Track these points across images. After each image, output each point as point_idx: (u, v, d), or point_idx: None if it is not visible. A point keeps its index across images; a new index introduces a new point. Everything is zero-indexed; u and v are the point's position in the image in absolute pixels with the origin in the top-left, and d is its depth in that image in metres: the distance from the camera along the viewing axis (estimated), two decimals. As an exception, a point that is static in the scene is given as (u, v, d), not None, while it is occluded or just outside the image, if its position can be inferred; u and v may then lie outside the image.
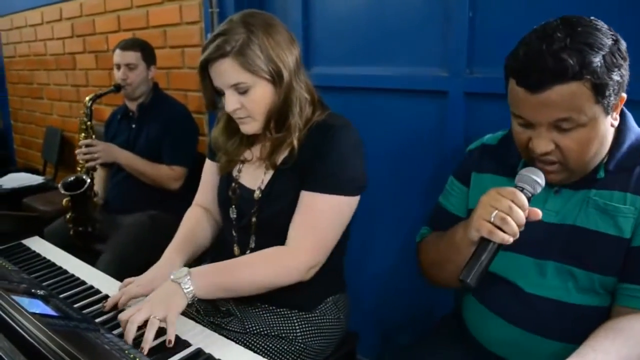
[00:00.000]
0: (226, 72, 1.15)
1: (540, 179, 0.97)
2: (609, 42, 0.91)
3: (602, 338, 0.91)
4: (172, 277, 1.10)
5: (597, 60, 0.89)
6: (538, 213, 0.94)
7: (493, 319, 1.12)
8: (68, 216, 2.23)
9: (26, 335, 0.75)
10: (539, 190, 0.97)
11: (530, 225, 1.03)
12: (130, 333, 0.97)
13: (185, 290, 1.07)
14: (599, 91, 0.90)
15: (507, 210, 0.92)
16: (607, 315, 1.00)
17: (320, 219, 1.19)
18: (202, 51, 1.18)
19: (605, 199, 1.00)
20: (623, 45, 0.93)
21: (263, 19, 1.18)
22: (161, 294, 1.07)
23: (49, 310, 0.98)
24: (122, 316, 1.02)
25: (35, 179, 3.77)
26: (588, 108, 0.91)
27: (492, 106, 1.62)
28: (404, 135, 1.88)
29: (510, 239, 0.91)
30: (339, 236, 1.24)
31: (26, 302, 0.94)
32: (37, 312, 0.92)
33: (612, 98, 0.92)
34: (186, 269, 1.11)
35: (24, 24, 4.05)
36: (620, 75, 0.92)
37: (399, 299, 2.02)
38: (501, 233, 0.91)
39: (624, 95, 0.97)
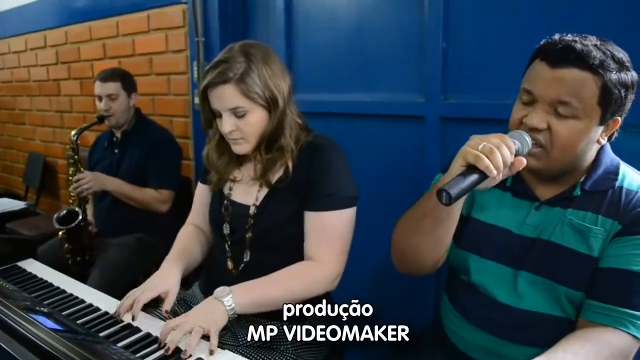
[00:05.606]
0: (226, 96, 1.25)
1: (527, 137, 1.00)
2: (630, 67, 1.01)
3: (572, 342, 0.98)
4: (214, 295, 1.18)
5: (615, 69, 0.98)
6: (522, 161, 0.96)
7: (470, 327, 1.21)
8: (65, 247, 2.26)
9: (45, 347, 0.80)
10: (525, 147, 1.00)
11: (509, 238, 1.14)
12: (176, 339, 1.04)
13: (227, 307, 1.16)
14: (605, 94, 0.98)
15: (496, 144, 0.93)
16: (573, 326, 1.08)
17: (334, 233, 1.31)
18: (204, 75, 1.28)
19: (579, 219, 1.07)
20: (636, 78, 1.02)
21: (261, 50, 1.30)
22: (203, 309, 1.15)
23: (56, 326, 1.03)
24: (170, 322, 1.09)
25: (17, 204, 3.75)
26: (589, 104, 0.99)
27: (466, 130, 1.70)
28: (384, 158, 1.98)
29: (494, 171, 0.92)
30: (350, 244, 1.34)
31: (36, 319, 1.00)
32: (48, 326, 0.98)
33: (611, 108, 1.00)
34: (227, 287, 1.19)
35: (7, 51, 4.08)
36: (625, 97, 1.01)
37: (381, 311, 2.09)
38: (487, 160, 0.91)
39: (619, 119, 1.04)
